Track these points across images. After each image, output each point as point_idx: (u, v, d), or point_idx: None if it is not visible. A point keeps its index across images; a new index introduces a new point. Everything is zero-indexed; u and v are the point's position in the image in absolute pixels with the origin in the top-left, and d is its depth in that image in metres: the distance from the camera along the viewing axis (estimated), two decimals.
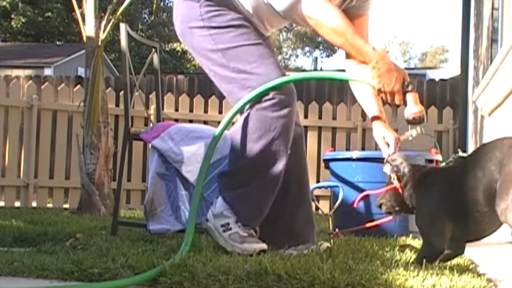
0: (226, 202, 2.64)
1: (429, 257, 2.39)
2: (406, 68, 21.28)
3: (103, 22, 5.71)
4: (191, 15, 2.68)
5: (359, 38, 2.49)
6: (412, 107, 2.49)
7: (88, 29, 5.74)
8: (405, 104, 2.51)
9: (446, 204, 2.33)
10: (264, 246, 2.56)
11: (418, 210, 2.46)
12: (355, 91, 2.83)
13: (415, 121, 2.52)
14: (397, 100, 2.46)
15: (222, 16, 2.65)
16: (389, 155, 2.62)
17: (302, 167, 2.85)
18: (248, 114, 2.59)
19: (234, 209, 2.62)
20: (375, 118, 2.78)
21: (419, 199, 2.44)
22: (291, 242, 2.72)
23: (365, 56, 2.47)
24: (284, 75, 2.61)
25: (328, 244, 2.74)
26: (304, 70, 34.65)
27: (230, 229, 2.60)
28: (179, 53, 32.07)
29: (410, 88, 2.47)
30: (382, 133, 2.74)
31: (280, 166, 2.60)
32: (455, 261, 2.61)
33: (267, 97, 2.56)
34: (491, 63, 4.69)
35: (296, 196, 2.79)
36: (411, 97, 2.49)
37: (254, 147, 2.58)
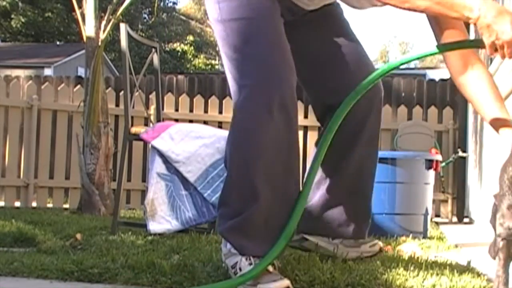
0: (224, 238, 2.17)
1: None
2: (406, 68, 21.24)
3: (103, 22, 5.71)
4: None
5: None
6: None
7: (88, 29, 5.74)
8: None
9: None
10: (285, 283, 2.01)
11: None
12: (463, 87, 2.10)
13: None
14: None
15: None
16: None
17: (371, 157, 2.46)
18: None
19: (232, 242, 2.12)
20: (500, 123, 1.99)
21: None
22: (336, 233, 2.41)
23: (461, 9, 1.84)
24: (290, 65, 2.15)
25: (381, 244, 2.50)
26: None
27: (240, 269, 2.07)
28: (179, 53, 32.09)
29: None
30: None
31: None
32: (455, 261, 2.61)
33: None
34: (491, 63, 4.69)
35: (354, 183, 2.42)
36: None
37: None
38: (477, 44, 1.97)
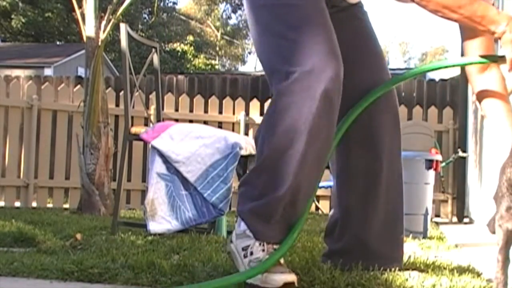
0: (241, 218, 2.14)
1: None
2: (406, 68, 21.26)
3: (103, 22, 5.71)
4: None
5: (478, 5, 1.95)
6: None
7: (88, 29, 5.74)
8: None
9: None
10: (291, 277, 2.03)
11: None
12: (474, 82, 2.19)
13: None
14: None
15: None
16: None
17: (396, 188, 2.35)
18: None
19: (249, 225, 2.11)
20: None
21: None
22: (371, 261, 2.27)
23: (489, 23, 1.94)
24: (338, 55, 2.08)
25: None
26: None
27: (251, 253, 2.07)
28: (179, 53, 32.08)
29: None
30: None
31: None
32: (455, 261, 2.61)
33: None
34: None
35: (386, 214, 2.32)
36: None
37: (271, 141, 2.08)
38: (497, 59, 2.04)
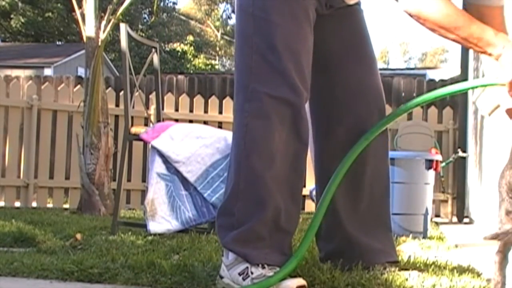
0: (229, 250, 2.09)
1: None
2: (406, 68, 21.24)
3: (103, 22, 5.71)
4: None
5: (476, 27, 1.96)
6: None
7: (88, 29, 5.74)
8: None
9: None
10: (303, 281, 2.02)
11: None
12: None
13: None
14: None
15: None
16: None
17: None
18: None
19: (238, 252, 2.06)
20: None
21: None
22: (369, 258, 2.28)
23: (485, 45, 1.95)
24: (308, 81, 2.12)
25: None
26: None
27: (252, 272, 2.03)
28: (179, 53, 32.07)
29: None
30: None
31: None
32: (455, 261, 2.61)
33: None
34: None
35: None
36: None
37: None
38: (495, 82, 2.02)
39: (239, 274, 2.04)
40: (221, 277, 2.11)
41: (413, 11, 2.01)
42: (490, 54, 1.95)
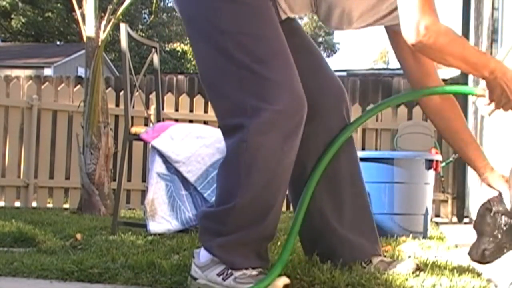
0: (211, 253, 2.07)
1: None
2: None
3: (103, 22, 5.71)
4: None
5: (473, 52, 2.04)
6: None
7: (88, 29, 5.74)
8: None
9: None
10: (286, 280, 2.02)
11: None
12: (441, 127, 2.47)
13: None
14: None
15: None
16: None
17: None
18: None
19: (227, 261, 2.04)
20: (485, 168, 2.24)
21: None
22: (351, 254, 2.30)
23: (482, 68, 2.01)
24: (301, 88, 2.05)
25: (416, 263, 2.31)
26: None
27: (232, 273, 2.02)
28: (179, 53, 32.08)
29: None
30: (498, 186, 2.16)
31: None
32: (455, 261, 2.61)
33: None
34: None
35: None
36: None
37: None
38: (474, 92, 2.17)
39: (218, 275, 2.03)
40: (195, 279, 2.09)
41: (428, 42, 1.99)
42: (483, 76, 2.03)
